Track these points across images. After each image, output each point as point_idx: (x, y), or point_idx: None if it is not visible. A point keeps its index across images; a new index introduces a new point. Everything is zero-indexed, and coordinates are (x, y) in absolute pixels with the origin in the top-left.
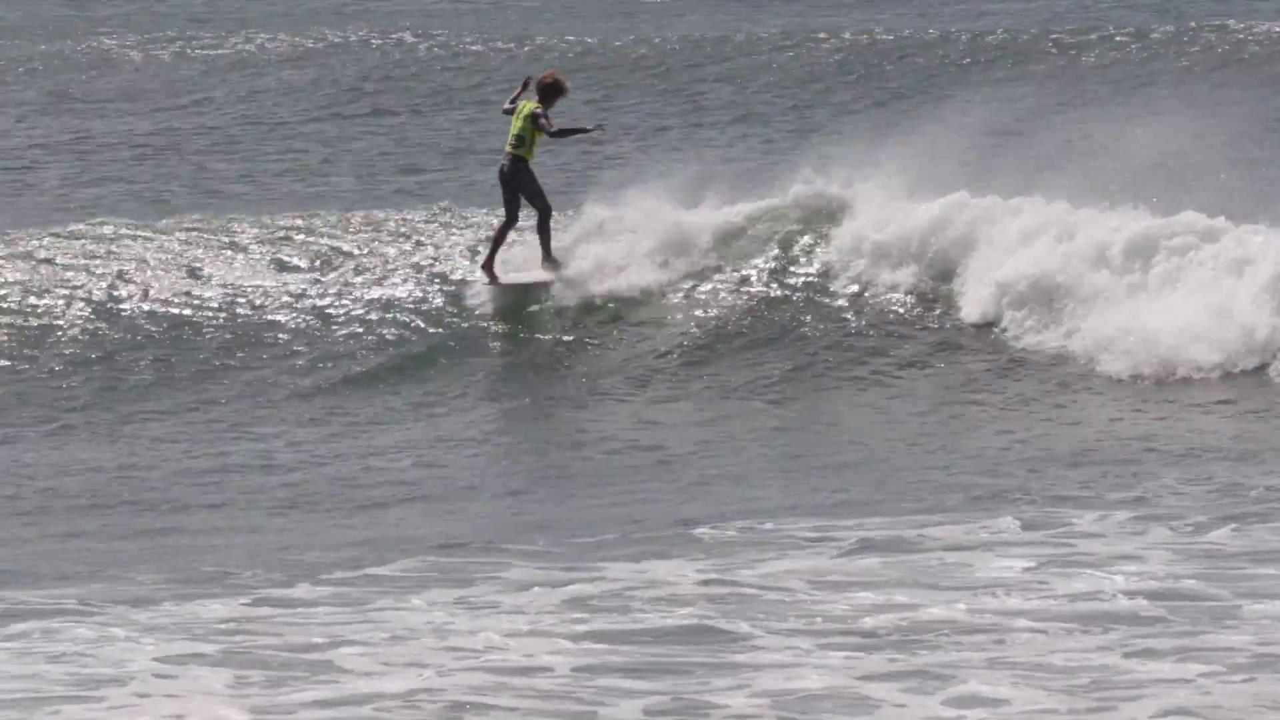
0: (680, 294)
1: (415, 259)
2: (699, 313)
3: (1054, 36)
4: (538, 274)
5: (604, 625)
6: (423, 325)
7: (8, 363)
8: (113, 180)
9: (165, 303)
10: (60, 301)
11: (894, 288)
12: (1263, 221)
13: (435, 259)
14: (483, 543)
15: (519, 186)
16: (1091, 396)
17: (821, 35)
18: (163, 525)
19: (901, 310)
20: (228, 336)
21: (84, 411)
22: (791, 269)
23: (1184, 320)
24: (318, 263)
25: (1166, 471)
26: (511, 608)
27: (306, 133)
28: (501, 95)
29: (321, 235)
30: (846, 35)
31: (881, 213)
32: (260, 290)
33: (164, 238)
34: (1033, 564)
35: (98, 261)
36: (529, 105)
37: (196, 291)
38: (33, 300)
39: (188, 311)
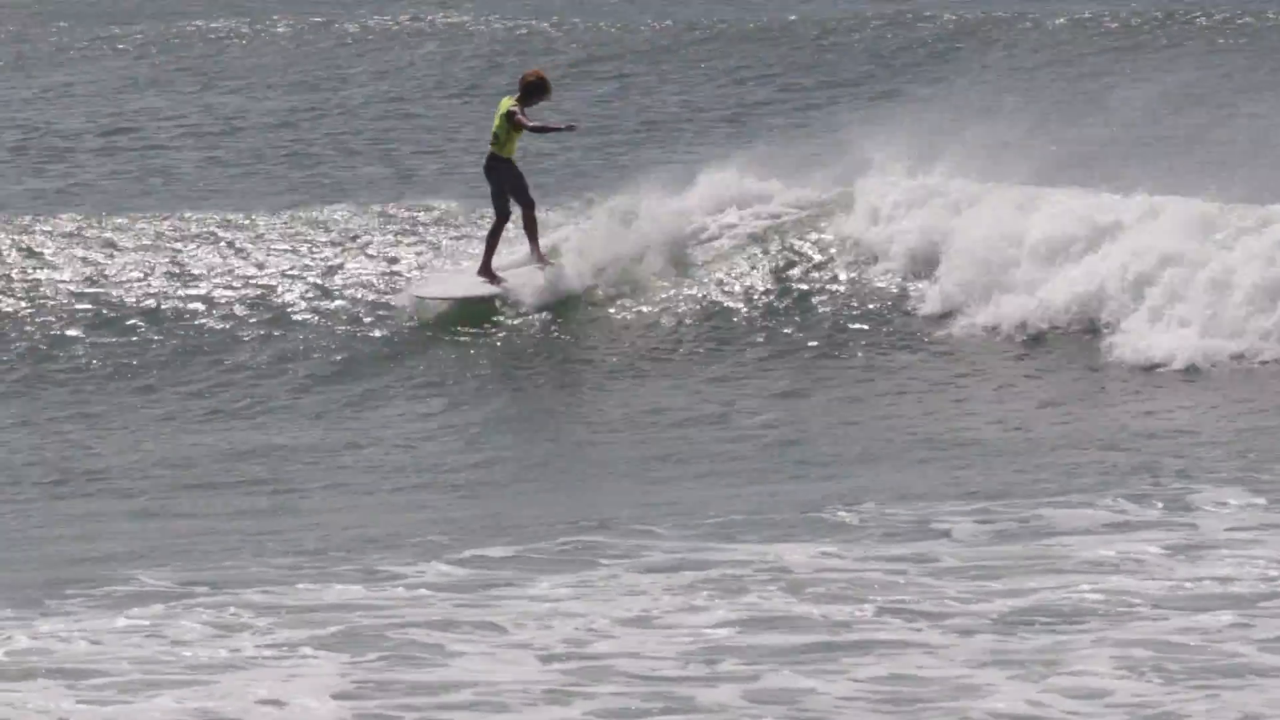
0: (771, 280)
1: None
2: (796, 301)
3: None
4: (527, 272)
5: (721, 609)
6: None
7: (128, 345)
8: (247, 165)
9: (288, 290)
10: (178, 287)
11: None
12: None
13: None
14: (605, 523)
15: (501, 182)
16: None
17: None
18: (271, 506)
19: None
20: (338, 323)
21: (195, 398)
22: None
23: None
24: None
25: None
26: (627, 590)
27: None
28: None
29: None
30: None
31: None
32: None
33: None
34: (1158, 548)
35: (216, 248)
36: (507, 102)
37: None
38: (157, 287)
39: (316, 299)
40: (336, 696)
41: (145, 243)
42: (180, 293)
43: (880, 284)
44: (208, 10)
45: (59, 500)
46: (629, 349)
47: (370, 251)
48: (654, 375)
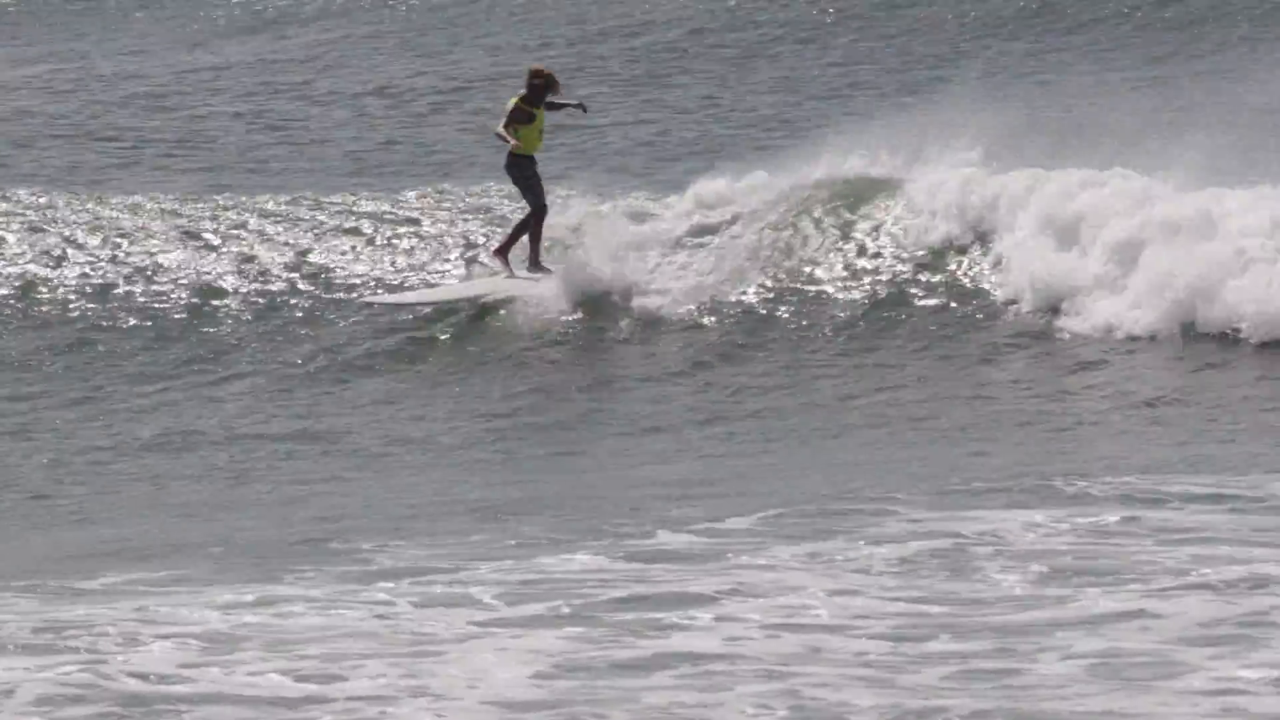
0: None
1: None
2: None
3: None
4: (517, 276)
5: (934, 583)
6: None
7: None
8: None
9: None
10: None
11: None
12: None
13: None
14: (842, 493)
15: (515, 180)
16: None
17: None
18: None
19: None
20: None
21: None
22: None
23: None
24: None
25: None
26: (854, 564)
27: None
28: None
29: None
30: None
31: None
32: None
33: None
34: None
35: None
36: (514, 99)
37: None
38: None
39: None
40: (545, 672)
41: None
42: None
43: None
44: None
45: (306, 465)
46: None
47: None
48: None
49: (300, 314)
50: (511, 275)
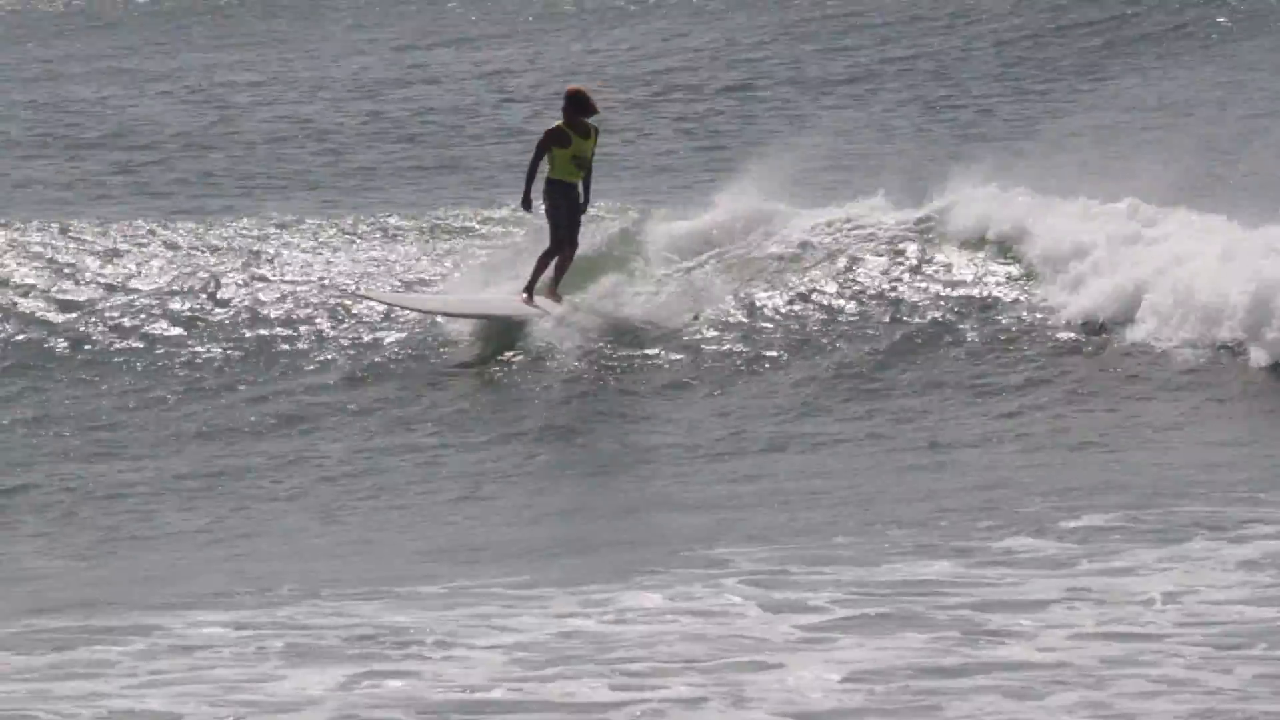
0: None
1: None
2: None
3: None
4: (509, 300)
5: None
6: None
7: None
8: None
9: None
10: None
11: None
12: None
13: None
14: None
15: (548, 210)
16: None
17: None
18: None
19: None
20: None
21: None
22: None
23: None
24: None
25: None
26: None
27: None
28: None
29: None
30: None
31: None
32: None
33: None
34: None
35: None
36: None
37: None
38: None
39: None
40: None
41: None
42: None
43: None
44: None
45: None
46: None
47: None
48: None
49: None
50: (559, 302)
